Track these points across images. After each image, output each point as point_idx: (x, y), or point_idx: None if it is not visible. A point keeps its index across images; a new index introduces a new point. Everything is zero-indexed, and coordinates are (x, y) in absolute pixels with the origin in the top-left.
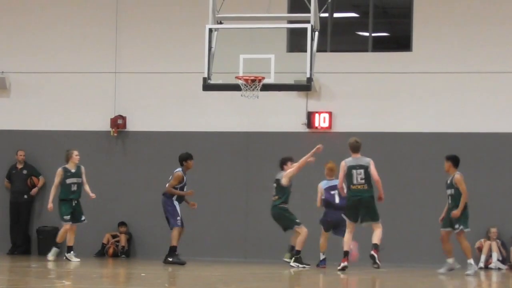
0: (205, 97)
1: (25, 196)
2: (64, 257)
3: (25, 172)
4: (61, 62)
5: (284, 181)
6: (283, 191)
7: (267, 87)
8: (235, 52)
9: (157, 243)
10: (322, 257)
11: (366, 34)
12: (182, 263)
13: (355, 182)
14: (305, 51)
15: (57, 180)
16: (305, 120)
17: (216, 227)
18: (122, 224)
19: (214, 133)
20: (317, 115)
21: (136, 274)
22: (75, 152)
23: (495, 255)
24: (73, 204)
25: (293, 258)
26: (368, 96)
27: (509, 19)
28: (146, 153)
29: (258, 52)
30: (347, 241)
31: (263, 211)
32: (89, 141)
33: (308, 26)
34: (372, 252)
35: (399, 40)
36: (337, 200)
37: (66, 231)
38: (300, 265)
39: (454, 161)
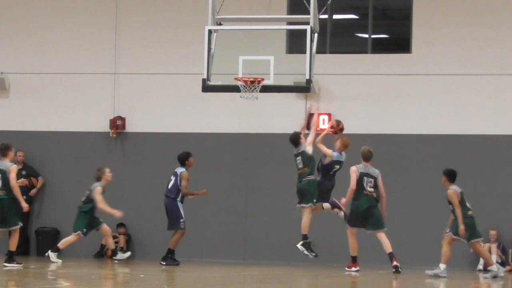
0: (204, 98)
1: (24, 197)
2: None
3: (24, 173)
4: (61, 63)
5: (309, 150)
6: (309, 161)
7: (266, 89)
8: (235, 54)
9: (156, 244)
10: None
11: (366, 35)
12: (177, 264)
13: (367, 188)
14: (305, 52)
15: (100, 197)
16: (304, 122)
17: (215, 228)
18: (121, 225)
19: (213, 134)
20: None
21: (135, 275)
22: (107, 170)
23: (494, 258)
24: (91, 216)
25: (301, 242)
26: (368, 98)
27: (509, 20)
28: (145, 154)
29: (257, 53)
30: (355, 247)
31: (263, 212)
32: (88, 142)
33: (308, 27)
34: (395, 263)
35: (399, 42)
36: None
37: (75, 241)
38: (306, 251)
39: (449, 175)
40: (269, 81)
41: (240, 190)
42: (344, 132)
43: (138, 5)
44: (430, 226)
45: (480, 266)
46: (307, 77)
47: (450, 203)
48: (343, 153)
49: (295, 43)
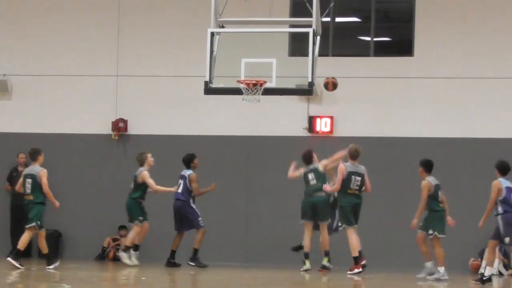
0: (206, 101)
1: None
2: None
3: None
4: (63, 65)
5: (322, 168)
6: (322, 178)
7: (268, 91)
8: (237, 56)
9: (157, 247)
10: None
11: (368, 38)
12: (204, 266)
13: (352, 187)
14: (307, 55)
15: (152, 180)
16: (306, 125)
17: (217, 231)
18: (122, 227)
19: (215, 137)
20: (318, 119)
21: (136, 277)
22: (150, 155)
23: (496, 261)
24: (143, 204)
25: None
26: (370, 101)
27: (511, 23)
28: None
29: (259, 56)
30: (357, 245)
31: (264, 215)
32: (90, 144)
33: (310, 30)
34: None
35: (401, 45)
36: None
37: (146, 231)
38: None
39: (425, 166)
40: (271, 84)
41: (241, 193)
42: (347, 134)
43: (140, 7)
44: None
45: (482, 270)
46: (310, 80)
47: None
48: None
49: (298, 45)
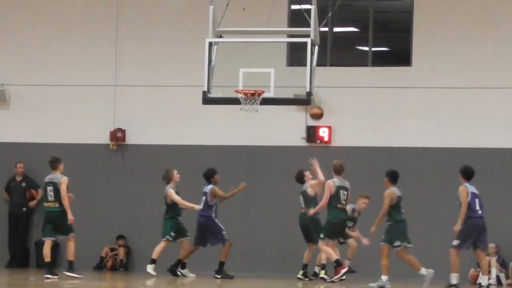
0: (204, 111)
1: (24, 209)
2: (180, 273)
3: (24, 184)
4: (61, 75)
5: (310, 190)
6: (311, 200)
7: (266, 101)
8: (235, 66)
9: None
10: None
11: (366, 48)
12: (231, 277)
13: (341, 201)
14: (305, 65)
15: (177, 196)
16: (304, 134)
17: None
18: (120, 237)
19: (214, 146)
20: (316, 129)
21: (134, 287)
22: (176, 171)
23: (494, 271)
24: (178, 221)
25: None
26: (368, 111)
27: (509, 33)
28: (146, 166)
29: (258, 66)
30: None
31: (263, 225)
32: (88, 154)
33: (308, 40)
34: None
35: (399, 55)
36: None
37: (164, 248)
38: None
39: (391, 177)
40: (269, 94)
41: (240, 203)
42: (345, 144)
43: (138, 17)
44: (430, 238)
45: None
46: (308, 89)
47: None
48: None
49: (296, 55)
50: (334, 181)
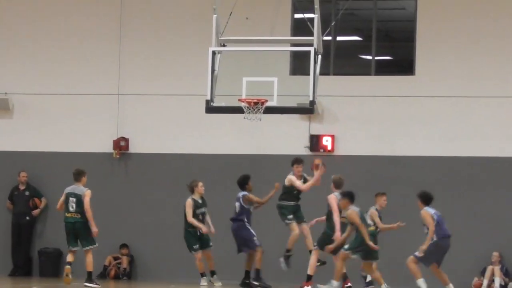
0: (208, 120)
1: (27, 218)
2: (209, 280)
3: (27, 193)
4: (64, 84)
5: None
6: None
7: (270, 110)
8: (238, 75)
9: (159, 265)
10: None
11: (369, 57)
12: (268, 286)
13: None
14: (308, 74)
15: (190, 211)
16: (307, 143)
17: (221, 250)
18: (124, 246)
19: (217, 155)
20: (320, 138)
21: None
22: (200, 183)
23: (497, 280)
24: (198, 234)
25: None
26: (371, 120)
27: None
28: (149, 175)
29: (261, 75)
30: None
31: (268, 233)
32: (92, 162)
33: (311, 49)
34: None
35: (402, 64)
36: None
37: (200, 259)
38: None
39: (349, 197)
40: (272, 103)
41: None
42: (348, 153)
43: (141, 26)
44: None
45: None
46: (311, 98)
47: (352, 223)
48: None
49: (299, 64)
50: (336, 195)
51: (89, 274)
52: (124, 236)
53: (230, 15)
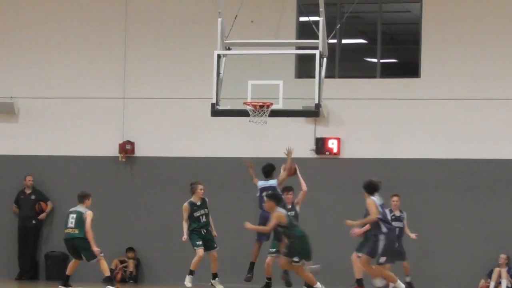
0: (213, 123)
1: (33, 221)
2: (210, 284)
3: (33, 197)
4: (69, 88)
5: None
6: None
7: (275, 113)
8: (244, 78)
9: (165, 269)
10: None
11: (375, 60)
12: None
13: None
14: (313, 77)
15: (185, 214)
16: (313, 146)
17: (226, 252)
18: (130, 249)
19: (222, 158)
20: (325, 141)
21: None
22: (200, 186)
23: (504, 282)
24: (203, 233)
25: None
26: (377, 122)
27: None
28: (155, 178)
29: (266, 78)
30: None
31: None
32: (97, 166)
33: (317, 52)
34: None
35: (408, 66)
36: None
37: (200, 258)
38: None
39: (276, 199)
40: (278, 106)
41: (250, 214)
42: (354, 156)
43: (146, 30)
44: (438, 249)
45: None
46: (316, 101)
47: (280, 225)
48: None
49: (304, 67)
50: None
51: (107, 278)
52: (130, 240)
53: (235, 18)
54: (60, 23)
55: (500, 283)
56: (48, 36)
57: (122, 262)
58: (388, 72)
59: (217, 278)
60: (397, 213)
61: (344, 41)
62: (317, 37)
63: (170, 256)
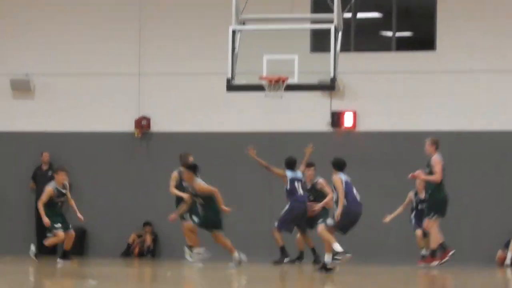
0: (229, 98)
1: None
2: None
3: (50, 173)
4: (85, 64)
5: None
6: None
7: (291, 87)
8: (259, 53)
9: (182, 243)
10: None
11: (390, 33)
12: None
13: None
14: (329, 51)
15: (174, 183)
16: (329, 120)
17: (241, 227)
18: (147, 224)
19: (238, 133)
20: (341, 114)
21: (161, 273)
22: (191, 158)
23: (510, 254)
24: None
25: None
26: (392, 96)
27: None
28: (171, 154)
29: (281, 52)
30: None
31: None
32: (114, 142)
33: (332, 26)
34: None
35: (423, 40)
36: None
37: (188, 230)
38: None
39: (194, 169)
40: (293, 80)
41: (265, 189)
42: (369, 129)
43: (162, 6)
44: (456, 221)
45: (508, 261)
46: (332, 75)
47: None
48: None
49: (319, 41)
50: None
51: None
52: (147, 214)
53: None
54: (75, 0)
55: None
56: (63, 12)
57: (139, 236)
58: (403, 45)
59: (192, 249)
60: (422, 195)
61: (359, 14)
62: (332, 11)
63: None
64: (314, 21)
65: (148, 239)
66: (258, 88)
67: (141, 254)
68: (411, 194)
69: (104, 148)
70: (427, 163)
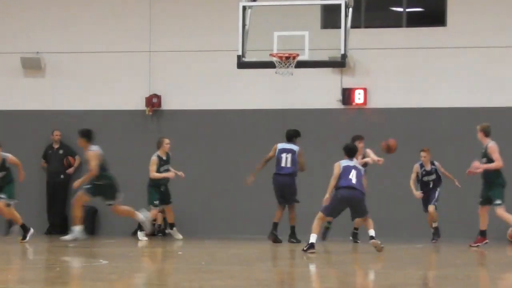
0: (239, 75)
1: (62, 176)
2: (168, 232)
3: (61, 152)
4: (96, 42)
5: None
6: None
7: (301, 64)
8: (269, 30)
9: (193, 222)
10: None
11: (400, 9)
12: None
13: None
14: (339, 27)
15: (154, 167)
16: (340, 97)
17: (251, 205)
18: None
19: (249, 110)
20: (352, 91)
21: (173, 252)
22: (166, 141)
23: None
24: (162, 190)
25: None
26: (403, 72)
27: None
28: (182, 132)
29: (292, 29)
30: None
31: (299, 187)
32: (125, 120)
33: (342, 2)
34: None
35: (434, 15)
36: None
37: (155, 216)
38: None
39: (88, 136)
40: (304, 57)
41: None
42: (380, 106)
43: None
44: (468, 197)
45: None
46: (342, 52)
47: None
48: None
49: (330, 18)
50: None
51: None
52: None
53: None
54: None
55: None
56: None
57: None
58: (414, 21)
59: (174, 228)
60: (428, 167)
61: None
62: None
63: (197, 209)
64: None
65: (159, 218)
66: (269, 65)
67: (152, 233)
68: (416, 166)
69: (115, 126)
70: (483, 153)
